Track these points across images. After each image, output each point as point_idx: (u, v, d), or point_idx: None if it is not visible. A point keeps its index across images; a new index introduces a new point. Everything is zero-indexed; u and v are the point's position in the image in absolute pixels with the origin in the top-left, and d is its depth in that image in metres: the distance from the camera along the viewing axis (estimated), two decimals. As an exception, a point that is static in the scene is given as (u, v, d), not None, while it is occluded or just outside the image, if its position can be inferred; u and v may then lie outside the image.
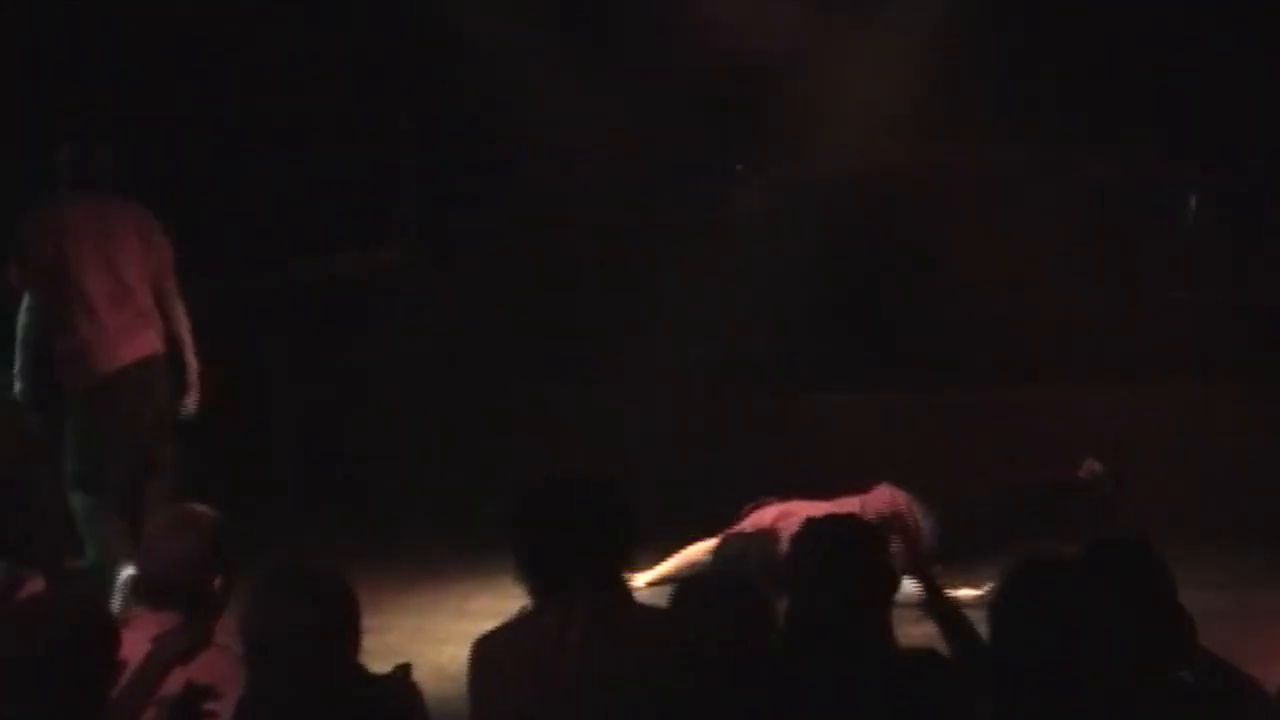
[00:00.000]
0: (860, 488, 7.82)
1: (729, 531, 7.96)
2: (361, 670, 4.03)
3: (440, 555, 8.85)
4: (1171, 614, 3.89)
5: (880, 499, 7.69)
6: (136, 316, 7.66)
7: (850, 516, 4.64)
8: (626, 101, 9.73)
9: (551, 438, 9.37)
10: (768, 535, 7.69)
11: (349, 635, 3.99)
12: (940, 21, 9.86)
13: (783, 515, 7.79)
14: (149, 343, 7.71)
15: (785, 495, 7.96)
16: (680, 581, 4.20)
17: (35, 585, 5.62)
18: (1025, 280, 10.13)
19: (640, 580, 7.47)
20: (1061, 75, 9.98)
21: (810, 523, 4.33)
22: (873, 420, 9.97)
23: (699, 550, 7.97)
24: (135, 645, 4.52)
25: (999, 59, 9.80)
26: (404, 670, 4.22)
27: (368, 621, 4.08)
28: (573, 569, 4.28)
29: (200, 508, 4.74)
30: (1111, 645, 3.51)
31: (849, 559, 4.15)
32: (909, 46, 9.97)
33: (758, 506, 7.98)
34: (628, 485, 4.50)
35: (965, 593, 6.55)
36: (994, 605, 3.68)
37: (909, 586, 4.90)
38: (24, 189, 7.96)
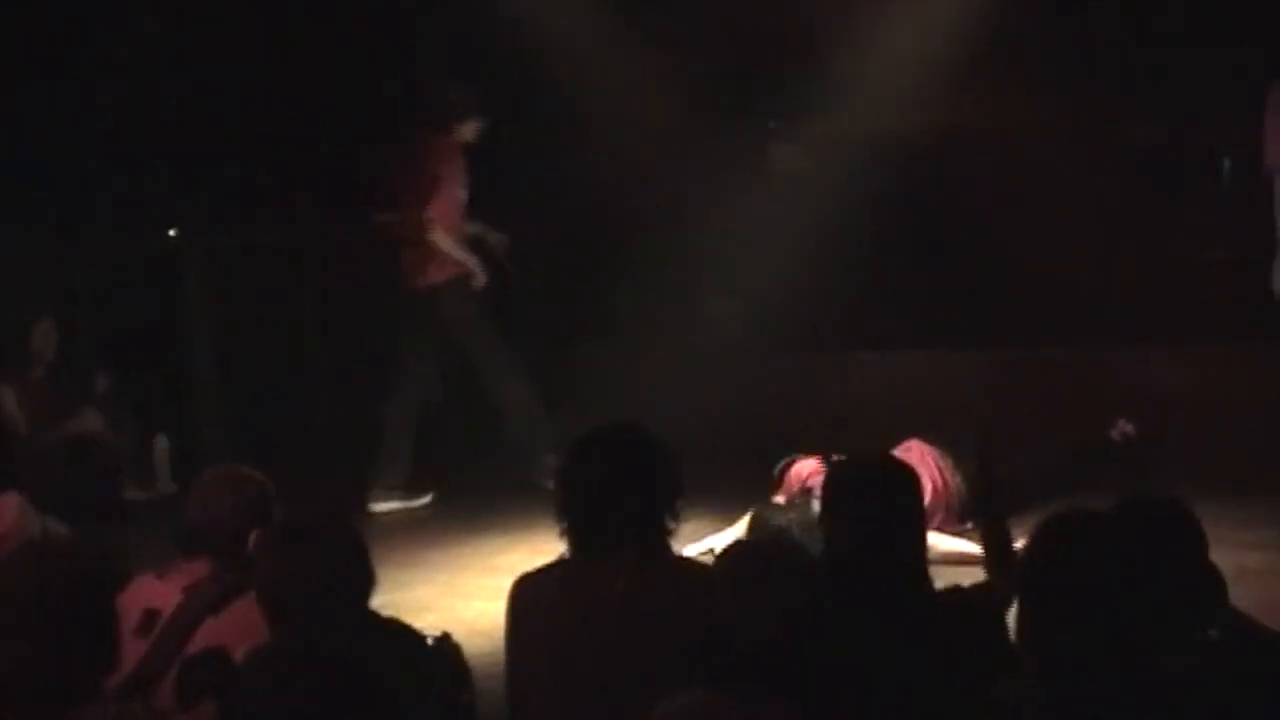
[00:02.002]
0: (891, 444, 7.80)
1: (770, 501, 7.95)
2: (383, 621, 4.04)
3: (470, 511, 8.86)
4: (1201, 572, 3.87)
5: (909, 455, 7.66)
6: None
7: (879, 454, 4.60)
8: (663, 57, 9.68)
9: (589, 397, 9.36)
10: (802, 498, 7.69)
11: (356, 584, 4.01)
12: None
13: (814, 473, 7.78)
14: None
15: (814, 453, 7.95)
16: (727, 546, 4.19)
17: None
18: (1064, 240, 10.10)
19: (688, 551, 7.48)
20: (1107, 34, 9.92)
21: (839, 463, 4.32)
22: (910, 377, 9.96)
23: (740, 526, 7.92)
24: (167, 595, 4.58)
25: (1042, 17, 9.71)
26: (445, 639, 4.25)
27: (398, 575, 4.09)
28: (618, 520, 4.27)
29: (247, 469, 4.84)
30: (1138, 603, 3.50)
31: (877, 494, 4.17)
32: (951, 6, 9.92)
33: (790, 464, 7.96)
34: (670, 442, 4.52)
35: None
36: (1023, 562, 3.68)
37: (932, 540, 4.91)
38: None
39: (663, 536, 4.32)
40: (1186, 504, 3.98)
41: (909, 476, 4.31)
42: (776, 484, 7.89)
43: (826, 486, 4.36)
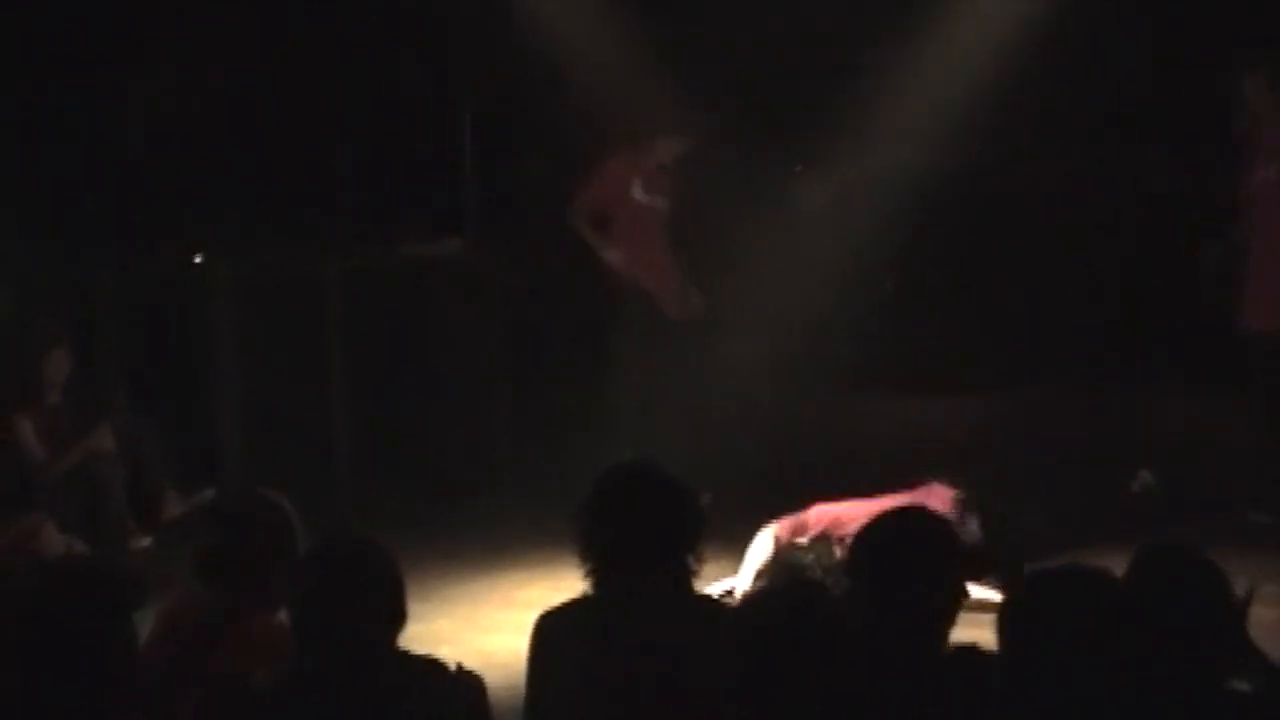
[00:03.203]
0: (910, 485, 7.80)
1: (786, 539, 7.94)
2: (410, 658, 4.05)
3: (489, 544, 8.87)
4: (1222, 622, 3.85)
5: (927, 497, 7.65)
6: None
7: (920, 511, 4.58)
8: (689, 97, 9.72)
9: (607, 433, 9.37)
10: (823, 542, 7.70)
11: (390, 615, 4.02)
12: (1009, 21, 9.81)
13: (835, 522, 7.79)
14: None
15: (833, 496, 7.95)
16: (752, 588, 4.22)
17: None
18: (1086, 283, 10.12)
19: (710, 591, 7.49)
20: (1126, 83, 9.94)
21: (882, 517, 4.29)
22: (930, 420, 9.98)
23: (761, 560, 7.91)
24: (184, 622, 4.59)
25: (1066, 61, 9.73)
26: (462, 672, 4.25)
27: (416, 608, 4.10)
28: (641, 560, 4.30)
29: (278, 497, 4.83)
30: (1141, 654, 3.48)
31: (915, 556, 4.11)
32: (974, 47, 9.93)
33: (807, 507, 7.97)
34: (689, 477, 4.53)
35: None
36: (1000, 612, 3.66)
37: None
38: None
39: (686, 576, 4.34)
40: (1203, 553, 3.97)
41: (944, 536, 4.25)
42: (796, 522, 7.89)
43: (860, 546, 4.28)
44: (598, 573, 4.34)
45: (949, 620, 4.10)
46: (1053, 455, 9.40)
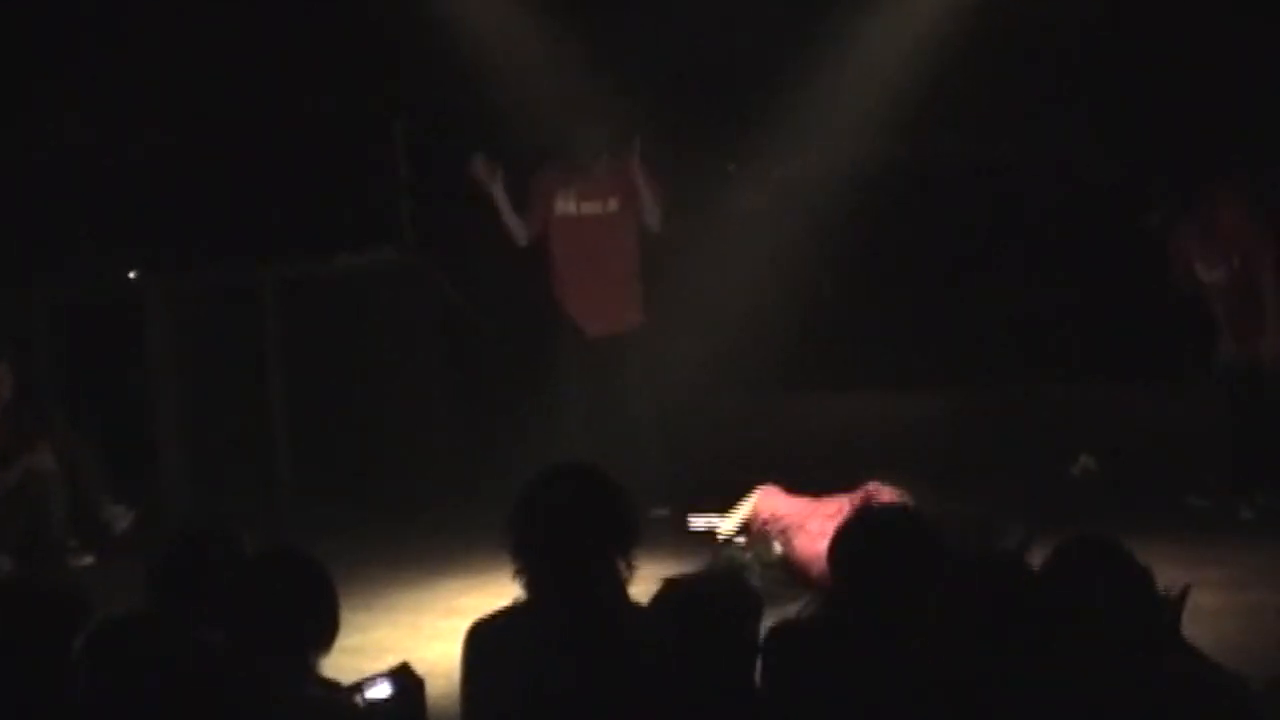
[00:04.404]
0: (853, 488, 7.84)
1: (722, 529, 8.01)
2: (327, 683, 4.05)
3: (432, 553, 8.87)
4: (1145, 608, 3.92)
5: (866, 497, 7.71)
6: None
7: (901, 510, 4.55)
8: (620, 99, 9.73)
9: (549, 435, 9.38)
10: (762, 541, 7.76)
11: (319, 630, 4.03)
12: (938, 16, 9.86)
13: (773, 517, 7.84)
14: None
15: (777, 485, 8.00)
16: (665, 581, 4.20)
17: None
18: (1022, 276, 10.18)
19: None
20: (1059, 72, 10.00)
21: (861, 513, 4.31)
22: (869, 417, 10.02)
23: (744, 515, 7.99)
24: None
25: (996, 56, 9.78)
26: (403, 669, 4.27)
27: (360, 618, 4.11)
28: (569, 557, 4.27)
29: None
30: (1054, 641, 3.53)
31: (898, 552, 4.15)
32: (907, 43, 9.97)
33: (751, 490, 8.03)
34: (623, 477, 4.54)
35: None
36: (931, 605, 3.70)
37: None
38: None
39: (617, 579, 4.33)
40: (1121, 542, 4.03)
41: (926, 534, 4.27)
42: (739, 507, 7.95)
43: (840, 541, 4.31)
44: (527, 571, 4.32)
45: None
46: (993, 446, 9.47)
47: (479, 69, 10.09)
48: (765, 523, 7.82)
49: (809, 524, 7.66)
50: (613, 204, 9.41)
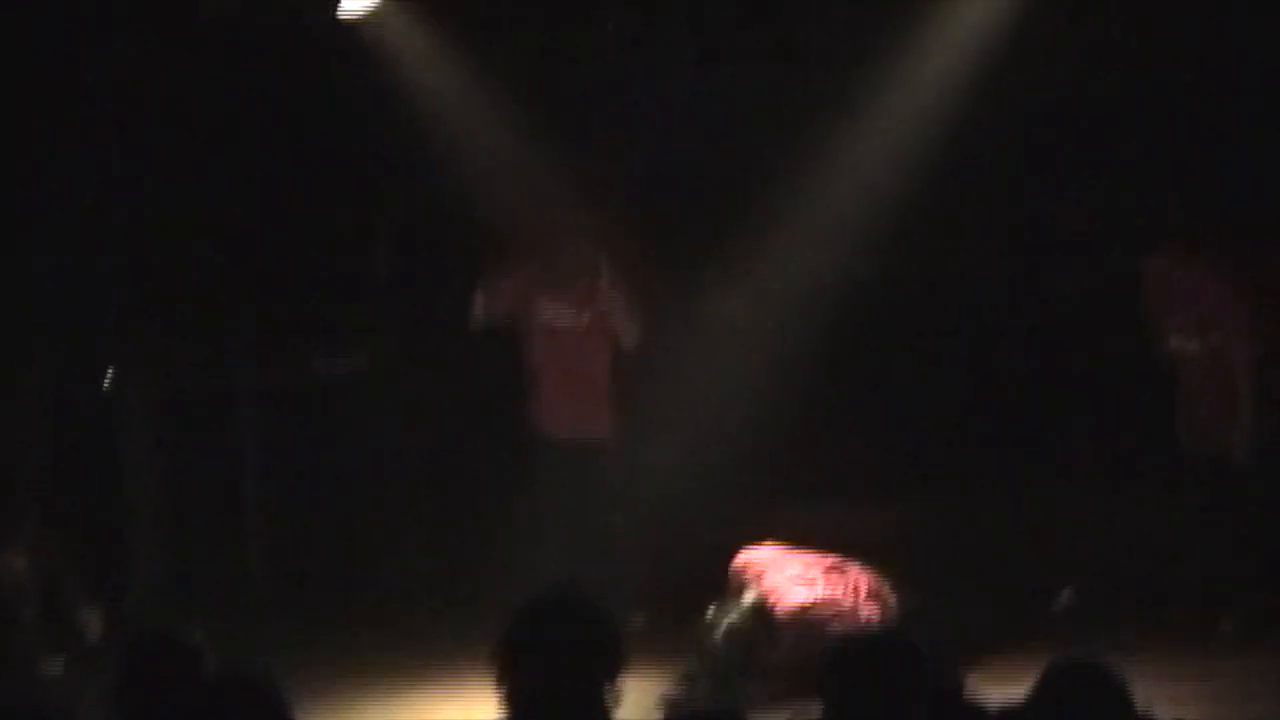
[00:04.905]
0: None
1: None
2: None
3: (410, 663, 8.82)
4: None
5: (846, 570, 7.87)
6: None
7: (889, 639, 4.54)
8: (598, 204, 9.79)
9: (524, 544, 9.35)
10: (735, 588, 7.98)
11: None
12: (912, 133, 9.92)
13: (748, 565, 8.03)
14: None
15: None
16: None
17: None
18: (995, 387, 10.20)
19: None
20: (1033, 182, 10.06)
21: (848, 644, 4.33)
22: (852, 529, 9.98)
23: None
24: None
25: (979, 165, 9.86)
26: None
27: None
28: (559, 696, 4.23)
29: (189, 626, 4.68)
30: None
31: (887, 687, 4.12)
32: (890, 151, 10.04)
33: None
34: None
35: None
36: None
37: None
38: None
39: (603, 708, 4.27)
40: (1109, 666, 4.01)
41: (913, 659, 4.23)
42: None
43: (827, 671, 4.24)
44: (511, 705, 4.26)
45: None
46: (975, 556, 9.44)
47: (459, 173, 10.11)
48: (742, 572, 7.95)
49: (786, 569, 7.97)
50: (586, 317, 9.44)
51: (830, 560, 8.14)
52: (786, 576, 8.00)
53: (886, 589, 8.15)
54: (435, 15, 9.66)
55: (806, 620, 7.85)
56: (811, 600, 7.93)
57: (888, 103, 9.86)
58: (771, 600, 7.93)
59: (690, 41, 10.06)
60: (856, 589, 8.05)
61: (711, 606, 8.01)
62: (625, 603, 8.25)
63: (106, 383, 10.41)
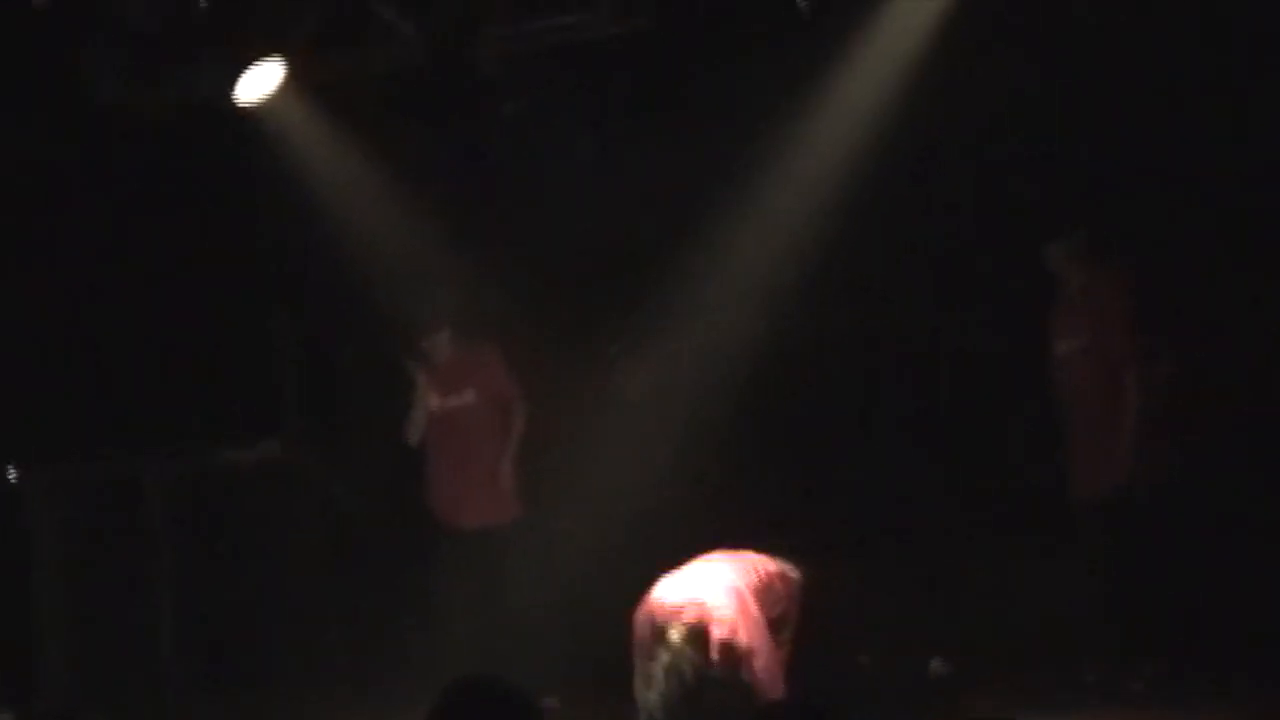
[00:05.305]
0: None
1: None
2: None
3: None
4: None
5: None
6: None
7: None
8: (500, 284, 9.79)
9: (436, 632, 9.32)
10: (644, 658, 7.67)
11: None
12: (823, 188, 9.96)
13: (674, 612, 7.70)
14: None
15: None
16: None
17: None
18: (904, 453, 10.22)
19: None
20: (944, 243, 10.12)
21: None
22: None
23: None
24: None
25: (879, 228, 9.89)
26: None
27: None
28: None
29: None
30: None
31: None
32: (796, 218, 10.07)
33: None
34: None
35: None
36: None
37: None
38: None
39: None
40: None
41: None
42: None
43: None
44: None
45: None
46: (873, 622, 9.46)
47: (357, 257, 10.10)
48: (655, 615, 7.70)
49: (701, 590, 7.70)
50: (469, 395, 9.43)
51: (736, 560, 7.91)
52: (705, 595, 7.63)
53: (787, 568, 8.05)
54: (332, 99, 9.68)
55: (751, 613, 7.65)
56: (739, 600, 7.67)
57: (793, 164, 9.91)
58: (698, 621, 7.55)
59: (589, 117, 10.11)
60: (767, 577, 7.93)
61: (636, 665, 7.74)
62: (539, 685, 8.18)
63: (10, 476, 10.34)
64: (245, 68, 8.96)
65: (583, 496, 10.07)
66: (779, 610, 7.82)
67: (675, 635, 7.50)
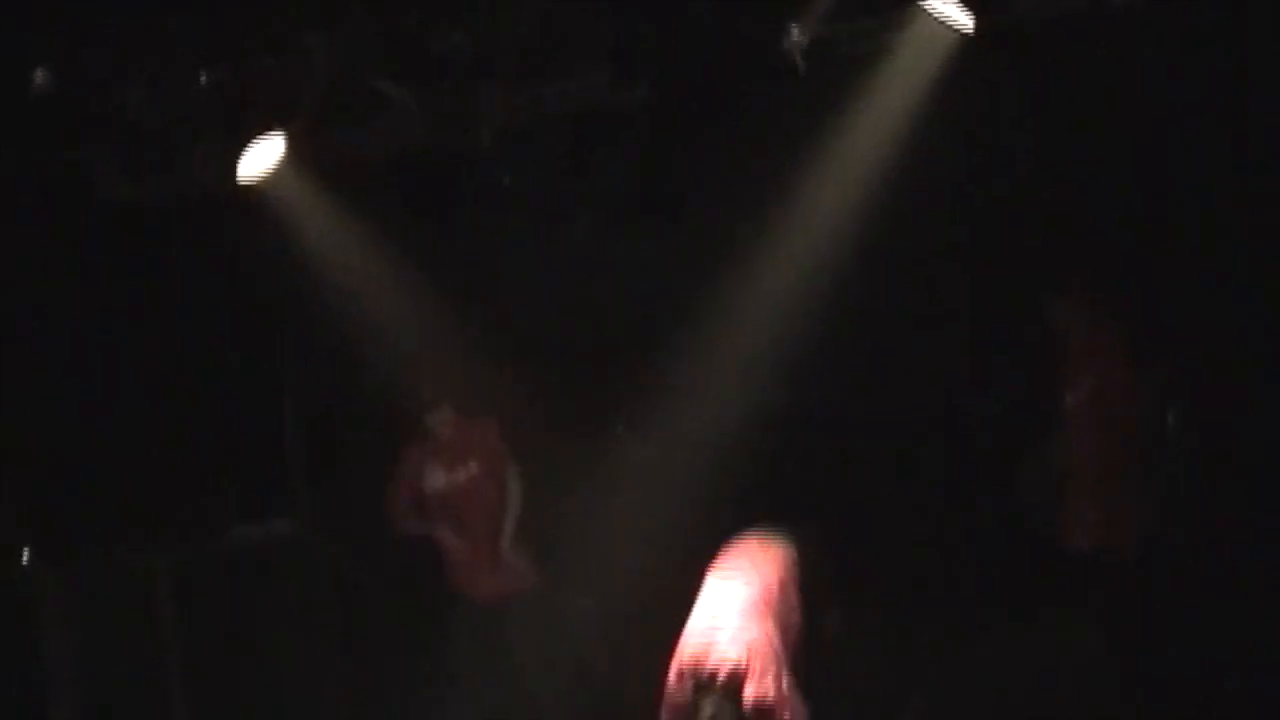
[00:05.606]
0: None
1: None
2: None
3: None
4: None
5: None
6: None
7: None
8: (499, 360, 9.81)
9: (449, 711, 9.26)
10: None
11: None
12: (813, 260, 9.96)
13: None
14: None
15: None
16: None
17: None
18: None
19: None
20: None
21: None
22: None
23: None
24: None
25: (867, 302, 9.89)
26: None
27: None
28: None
29: None
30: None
31: None
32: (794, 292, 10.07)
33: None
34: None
35: None
36: None
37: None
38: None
39: None
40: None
41: None
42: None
43: None
44: None
45: None
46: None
47: (366, 338, 10.13)
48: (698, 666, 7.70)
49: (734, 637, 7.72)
50: (474, 467, 9.47)
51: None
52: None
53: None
54: (333, 175, 9.74)
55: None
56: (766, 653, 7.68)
57: (786, 238, 9.93)
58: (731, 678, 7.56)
59: (587, 189, 10.15)
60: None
61: None
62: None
63: (24, 559, 10.35)
64: (246, 147, 9.00)
65: (596, 573, 10.03)
66: (793, 619, 7.90)
67: (713, 699, 7.57)
